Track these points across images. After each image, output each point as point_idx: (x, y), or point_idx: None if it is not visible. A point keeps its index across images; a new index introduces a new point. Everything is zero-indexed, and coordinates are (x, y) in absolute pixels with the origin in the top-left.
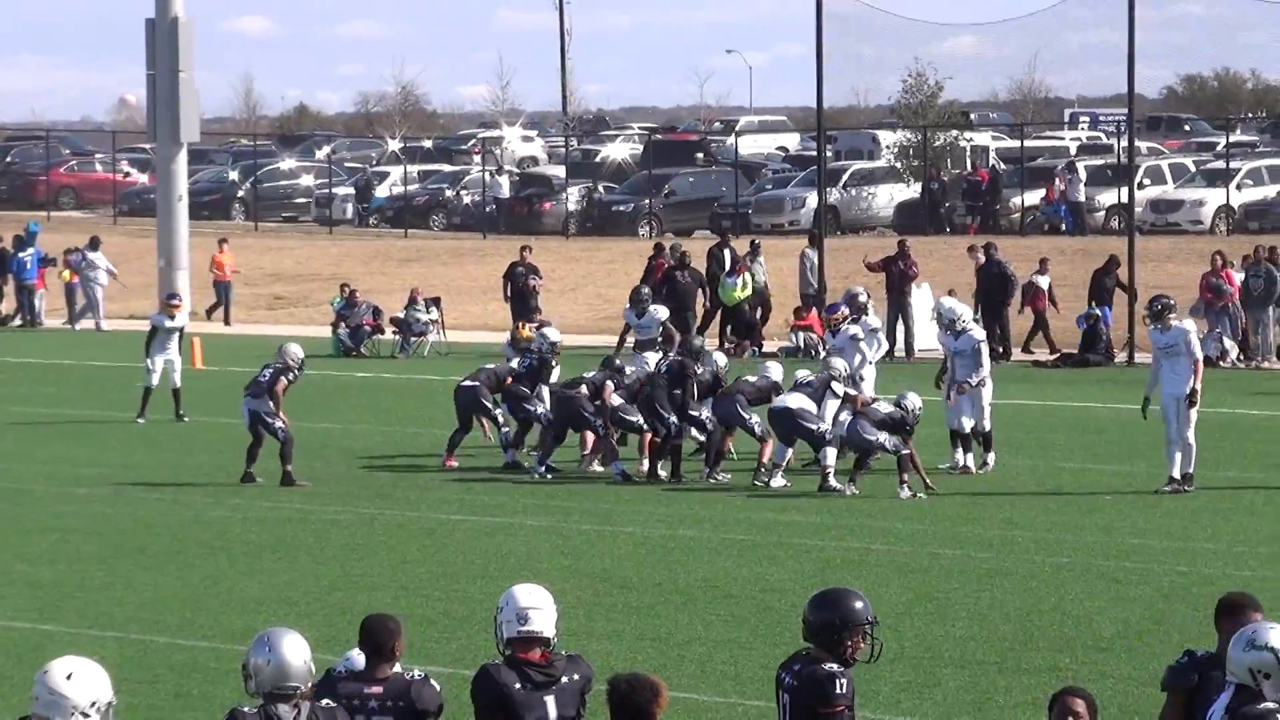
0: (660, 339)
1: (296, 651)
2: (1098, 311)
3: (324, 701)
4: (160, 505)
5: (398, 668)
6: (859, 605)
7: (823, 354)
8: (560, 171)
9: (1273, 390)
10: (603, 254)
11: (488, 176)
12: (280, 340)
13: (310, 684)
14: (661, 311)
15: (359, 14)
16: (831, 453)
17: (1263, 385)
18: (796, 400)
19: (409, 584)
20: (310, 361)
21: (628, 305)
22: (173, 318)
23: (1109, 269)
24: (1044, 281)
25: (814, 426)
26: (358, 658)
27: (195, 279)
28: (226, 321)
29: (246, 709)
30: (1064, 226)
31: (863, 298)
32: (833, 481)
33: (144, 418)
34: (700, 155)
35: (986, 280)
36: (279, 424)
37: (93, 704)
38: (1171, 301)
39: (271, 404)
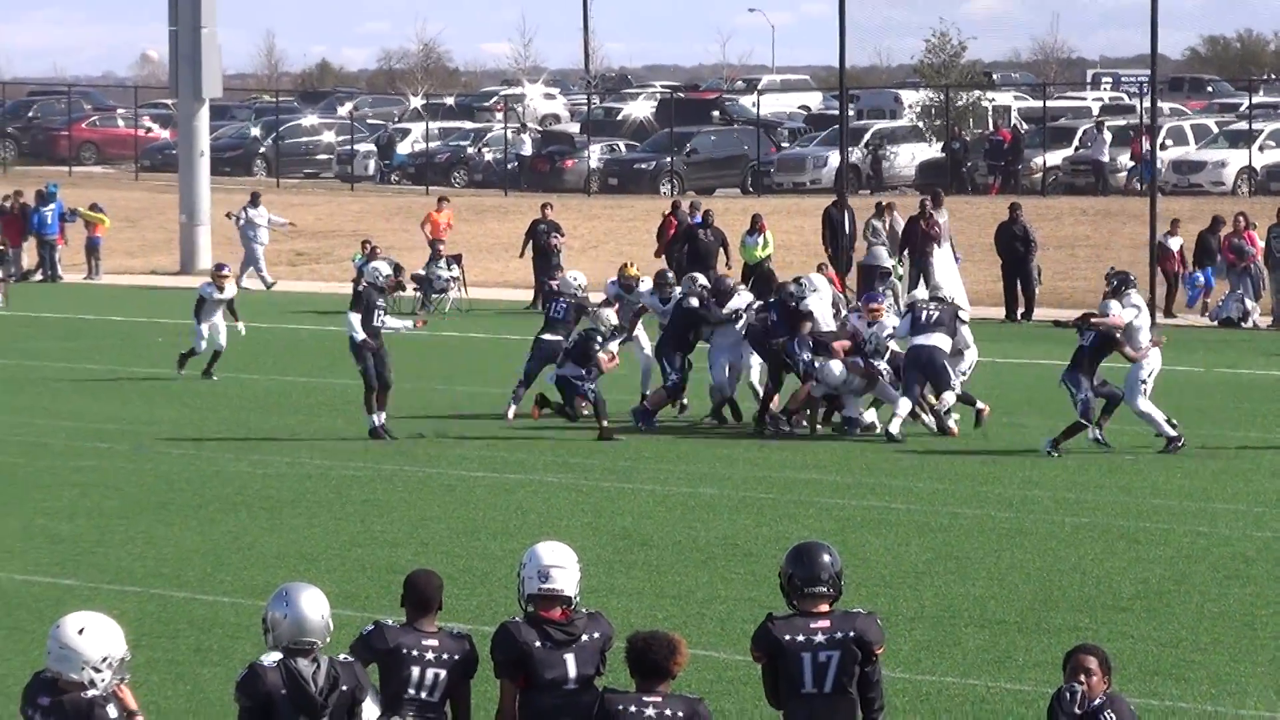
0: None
1: (315, 606)
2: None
3: (341, 656)
4: (182, 460)
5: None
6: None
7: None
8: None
9: None
10: (624, 212)
11: (509, 134)
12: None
13: (328, 638)
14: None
15: None
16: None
17: None
18: (938, 339)
19: (429, 540)
20: (332, 318)
21: (649, 290)
22: (221, 289)
23: (1214, 229)
24: (1175, 244)
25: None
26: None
27: (215, 234)
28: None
29: (266, 662)
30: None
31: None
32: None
33: (183, 371)
34: (716, 114)
35: (1009, 240)
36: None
37: (104, 659)
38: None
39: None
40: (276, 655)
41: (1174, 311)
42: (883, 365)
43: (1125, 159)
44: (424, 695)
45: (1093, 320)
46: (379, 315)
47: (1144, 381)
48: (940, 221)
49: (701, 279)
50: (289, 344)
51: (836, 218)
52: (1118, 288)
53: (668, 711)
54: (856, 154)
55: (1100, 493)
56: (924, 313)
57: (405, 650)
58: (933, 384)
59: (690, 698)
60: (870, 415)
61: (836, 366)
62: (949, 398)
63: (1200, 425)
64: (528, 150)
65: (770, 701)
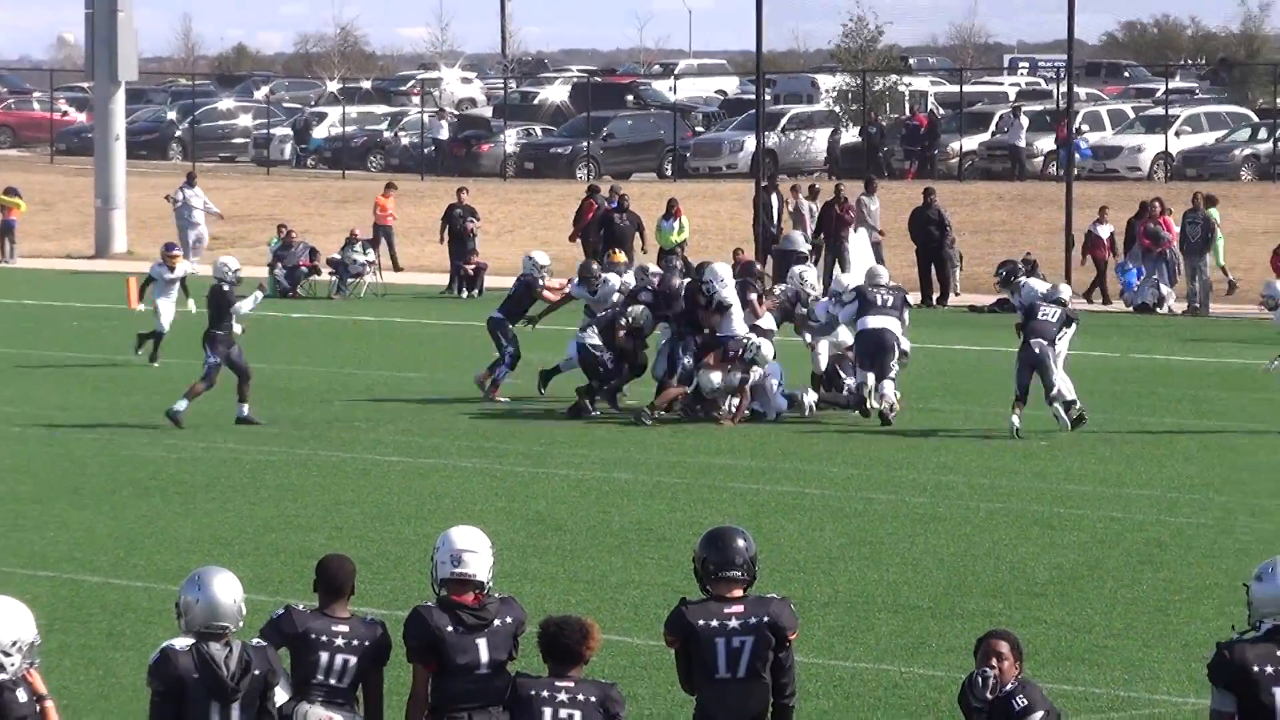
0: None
1: (227, 591)
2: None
3: (255, 640)
4: (95, 445)
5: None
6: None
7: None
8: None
9: (1209, 337)
10: (540, 196)
11: (426, 118)
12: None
13: (241, 623)
14: (614, 280)
15: None
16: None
17: (1199, 332)
18: (893, 323)
19: (343, 525)
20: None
21: (575, 280)
22: (172, 269)
23: (1141, 216)
24: (1105, 231)
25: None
26: None
27: (131, 218)
28: (396, 267)
29: (178, 646)
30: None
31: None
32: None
33: (140, 353)
34: (631, 98)
35: (923, 225)
36: None
37: (14, 643)
38: (1019, 265)
39: None
40: (189, 640)
41: (1093, 299)
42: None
43: (1042, 144)
44: (333, 681)
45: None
46: (236, 311)
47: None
48: (872, 208)
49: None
50: (203, 329)
51: (766, 203)
52: (1006, 278)
53: (580, 696)
54: (773, 138)
55: (1014, 478)
56: (877, 296)
57: (314, 635)
58: (878, 370)
59: (603, 683)
60: (810, 397)
61: (716, 376)
62: (888, 386)
63: (1115, 410)
64: (445, 135)
65: (684, 686)
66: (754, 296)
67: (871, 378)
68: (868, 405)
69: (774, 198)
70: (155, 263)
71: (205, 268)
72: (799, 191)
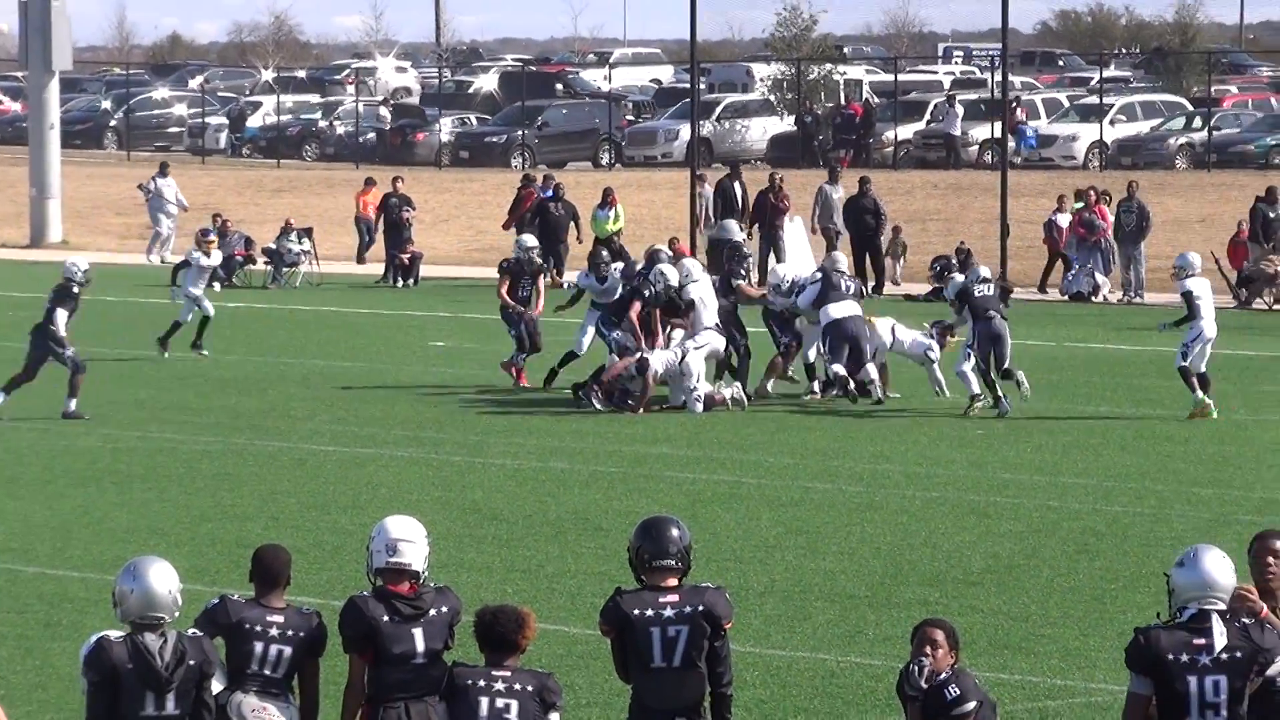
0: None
1: (163, 580)
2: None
3: (191, 630)
4: (31, 435)
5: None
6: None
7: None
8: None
9: (1144, 326)
10: (475, 185)
11: (362, 108)
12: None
13: (177, 613)
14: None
15: None
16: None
17: (1135, 321)
18: (858, 308)
19: (279, 515)
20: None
21: (584, 272)
22: (208, 255)
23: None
24: (1064, 220)
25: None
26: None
27: (66, 207)
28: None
29: (113, 636)
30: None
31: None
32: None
33: (168, 352)
34: (560, 87)
35: (858, 214)
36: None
37: None
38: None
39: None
40: (124, 630)
41: (1046, 289)
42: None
43: (977, 133)
44: (267, 671)
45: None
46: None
47: (970, 347)
48: (834, 198)
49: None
50: (138, 318)
51: (728, 189)
52: (940, 273)
53: (516, 685)
54: (708, 127)
55: (951, 467)
56: (840, 280)
57: (249, 625)
58: (856, 355)
59: (539, 672)
60: (732, 390)
61: (660, 360)
62: (871, 369)
63: (1051, 399)
64: (387, 123)
65: (620, 675)
66: (740, 283)
67: (840, 368)
68: (872, 390)
69: (737, 186)
70: (190, 249)
71: (177, 257)
72: (704, 181)
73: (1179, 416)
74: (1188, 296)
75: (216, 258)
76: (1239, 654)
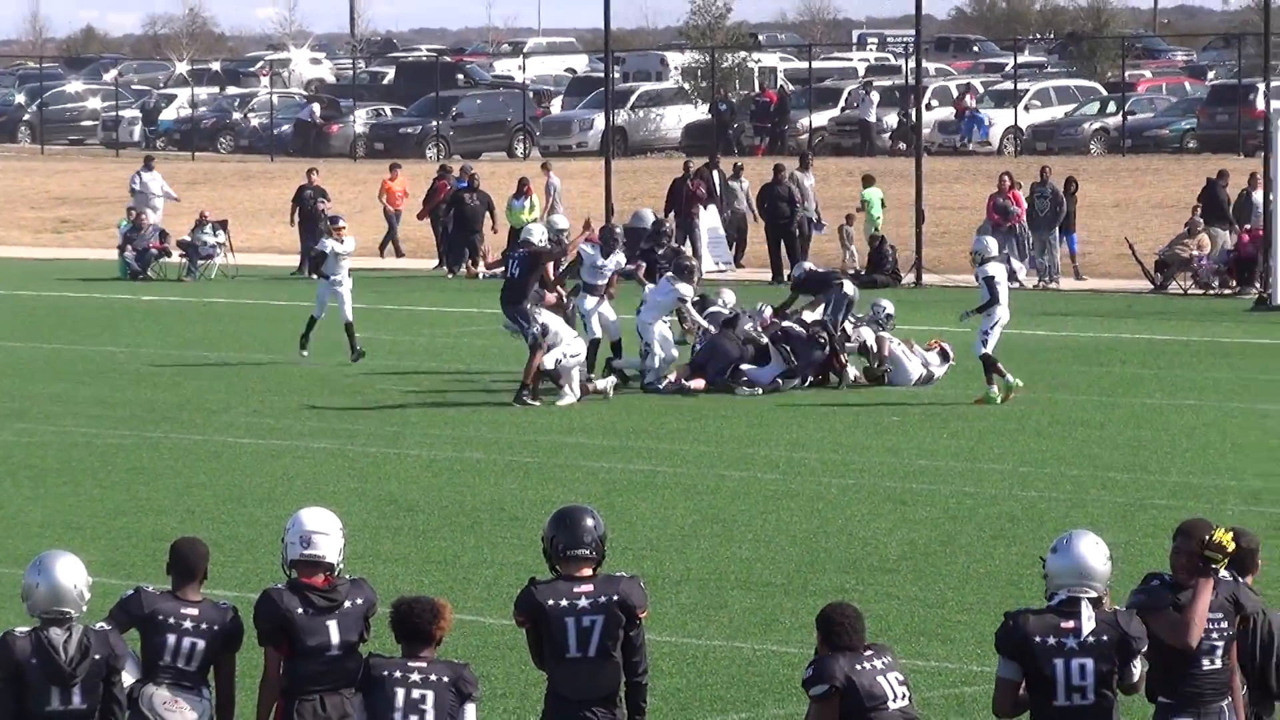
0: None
1: (69, 575)
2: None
3: (98, 625)
4: None
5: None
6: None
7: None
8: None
9: (1060, 311)
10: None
11: (276, 99)
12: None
13: (84, 607)
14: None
15: None
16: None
17: (1050, 306)
18: None
19: (195, 507)
20: (97, 285)
21: (593, 243)
22: (341, 242)
23: (1069, 192)
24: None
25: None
26: None
27: None
28: (398, 253)
29: (18, 632)
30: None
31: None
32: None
33: (306, 353)
34: (460, 77)
35: (774, 201)
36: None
37: None
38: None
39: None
40: (31, 624)
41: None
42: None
43: (890, 119)
44: (181, 664)
45: None
46: None
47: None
48: (806, 185)
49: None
50: (54, 311)
51: (708, 179)
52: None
53: (433, 676)
54: (623, 116)
55: (867, 454)
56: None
57: (162, 617)
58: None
59: (455, 663)
60: (606, 382)
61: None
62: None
63: (967, 386)
64: (309, 116)
65: (536, 665)
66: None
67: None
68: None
69: (715, 175)
70: (323, 238)
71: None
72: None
73: (1094, 401)
74: (989, 282)
75: (350, 244)
76: (1106, 638)
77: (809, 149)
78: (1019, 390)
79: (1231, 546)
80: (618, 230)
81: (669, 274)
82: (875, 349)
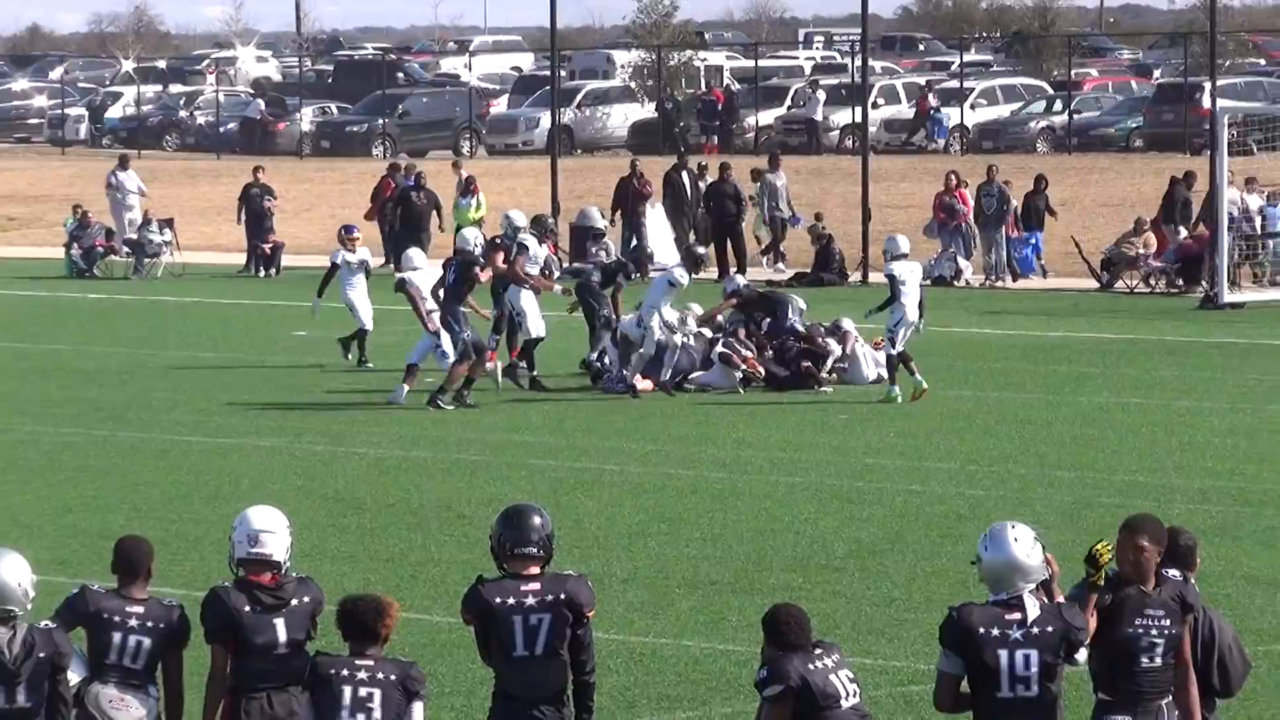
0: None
1: (13, 573)
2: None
3: (43, 623)
4: None
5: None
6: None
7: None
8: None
9: (1006, 310)
10: (336, 174)
11: (223, 96)
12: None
13: (30, 605)
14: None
15: None
16: None
17: (997, 305)
18: None
19: (142, 506)
20: (43, 283)
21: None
22: (354, 252)
23: (1039, 190)
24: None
25: None
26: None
27: None
28: None
29: None
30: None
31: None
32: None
33: (350, 357)
34: (401, 75)
35: (720, 200)
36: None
37: None
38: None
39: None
40: None
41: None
42: None
43: (837, 118)
44: (127, 662)
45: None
46: None
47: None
48: (778, 185)
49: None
50: None
51: (677, 180)
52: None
53: (380, 674)
54: (569, 115)
55: (814, 452)
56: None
57: (108, 615)
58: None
59: (403, 661)
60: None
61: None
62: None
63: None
64: (256, 114)
65: (484, 663)
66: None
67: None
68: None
69: (684, 176)
70: (334, 250)
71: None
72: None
73: (1041, 400)
74: (891, 279)
75: (364, 253)
76: (1050, 629)
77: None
78: (923, 393)
79: (1106, 558)
80: (548, 220)
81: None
82: (840, 347)
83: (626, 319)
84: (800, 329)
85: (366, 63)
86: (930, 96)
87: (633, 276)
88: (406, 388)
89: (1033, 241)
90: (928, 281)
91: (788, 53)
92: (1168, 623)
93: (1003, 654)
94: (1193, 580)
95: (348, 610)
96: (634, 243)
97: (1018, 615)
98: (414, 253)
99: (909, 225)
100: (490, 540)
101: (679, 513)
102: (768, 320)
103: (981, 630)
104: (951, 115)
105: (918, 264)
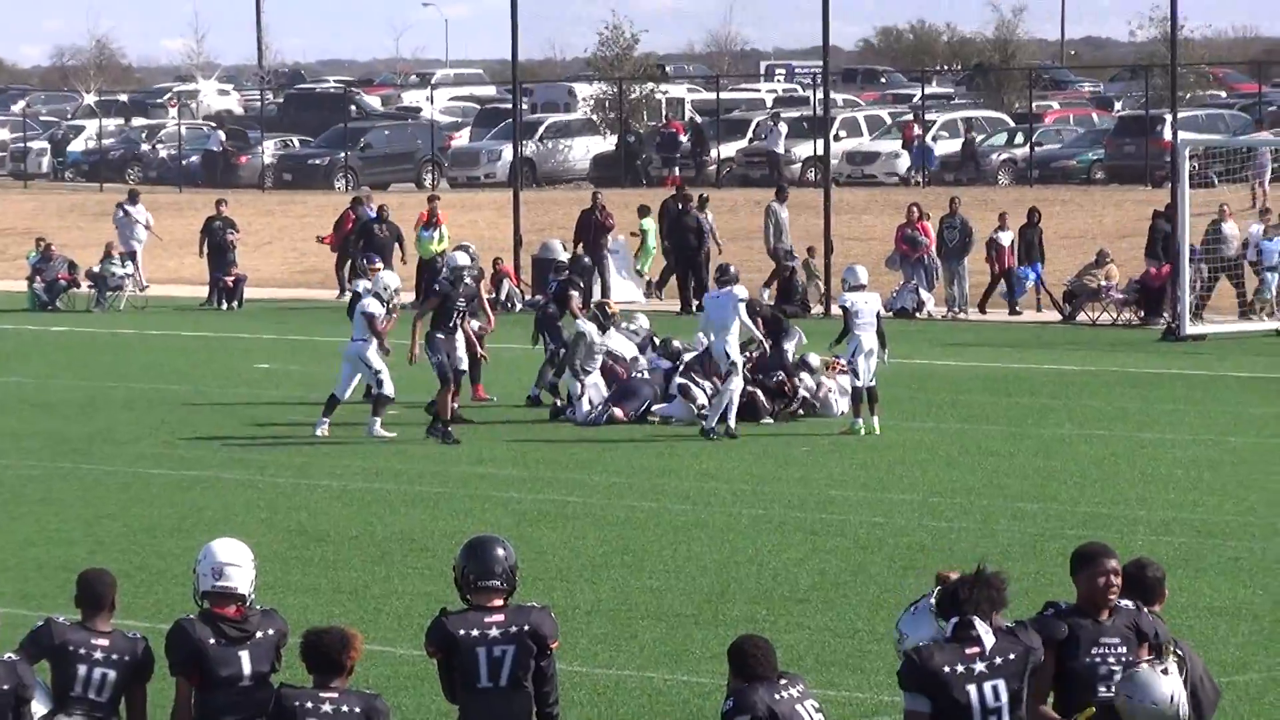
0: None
1: None
2: (794, 264)
3: (7, 655)
4: None
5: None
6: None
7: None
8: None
9: (969, 342)
10: (298, 208)
11: (185, 130)
12: None
13: None
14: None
15: None
16: None
17: (959, 337)
18: None
19: (105, 538)
20: (5, 316)
21: (506, 274)
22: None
23: (1033, 223)
24: (1006, 238)
25: None
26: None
27: None
28: None
29: None
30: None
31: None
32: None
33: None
34: (354, 108)
35: (681, 232)
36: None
37: None
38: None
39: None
40: None
41: (986, 309)
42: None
43: (799, 150)
44: (92, 695)
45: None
46: None
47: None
48: (782, 216)
49: None
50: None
51: (674, 210)
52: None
53: (344, 707)
54: (531, 147)
55: (777, 484)
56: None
57: (72, 648)
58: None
59: (367, 693)
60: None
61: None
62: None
63: (877, 415)
64: (217, 146)
65: (447, 696)
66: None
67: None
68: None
69: (783, 210)
70: (357, 282)
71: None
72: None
73: (1003, 431)
74: (845, 310)
75: (393, 279)
76: (1012, 655)
77: (716, 179)
78: (864, 432)
79: (953, 575)
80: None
81: (723, 284)
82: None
83: (714, 342)
84: (790, 361)
85: (317, 95)
86: (916, 125)
87: (580, 285)
88: (328, 421)
89: (1033, 275)
90: (890, 314)
91: (749, 85)
92: (1124, 650)
93: (971, 690)
94: (1155, 610)
95: (312, 642)
96: (596, 275)
97: (976, 649)
98: (388, 275)
99: (871, 257)
100: (454, 572)
101: (642, 544)
102: (770, 344)
103: (946, 669)
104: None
105: (874, 294)
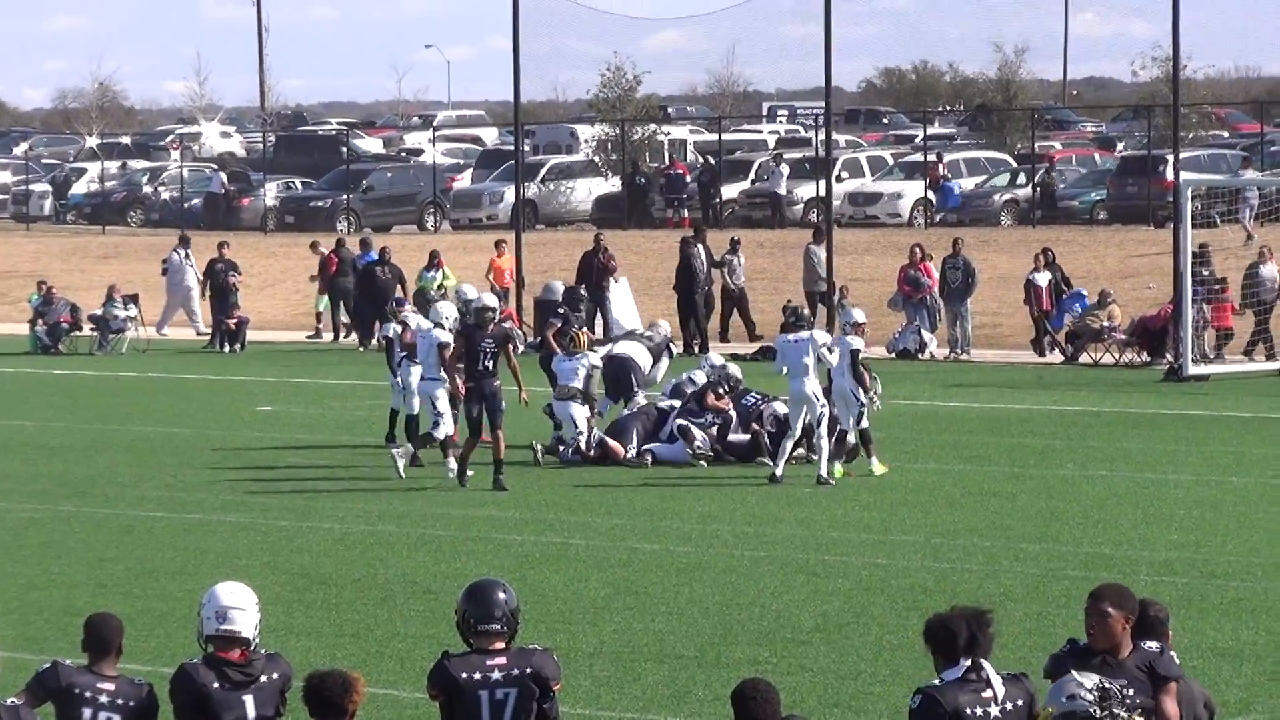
0: None
1: None
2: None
3: (9, 700)
4: None
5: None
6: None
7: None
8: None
9: (971, 383)
10: (300, 250)
11: (187, 172)
12: None
13: None
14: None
15: (63, 9)
16: None
17: (962, 378)
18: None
19: (107, 582)
20: (7, 359)
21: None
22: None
23: (1050, 261)
24: (1043, 279)
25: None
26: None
27: None
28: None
29: None
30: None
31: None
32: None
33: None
34: (345, 149)
35: (686, 273)
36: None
37: None
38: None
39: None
40: None
41: (1036, 349)
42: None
43: (801, 191)
44: None
45: None
46: None
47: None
48: (820, 256)
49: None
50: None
51: (690, 253)
52: (794, 323)
53: None
54: (533, 189)
55: (779, 526)
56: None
57: (78, 691)
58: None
59: None
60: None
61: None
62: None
63: (879, 457)
64: (218, 188)
65: None
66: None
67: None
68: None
69: (699, 250)
70: (385, 325)
71: (186, 329)
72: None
73: (1006, 473)
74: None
75: (450, 309)
76: (1020, 702)
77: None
78: (844, 475)
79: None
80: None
81: (797, 328)
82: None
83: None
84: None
85: (310, 138)
86: (940, 167)
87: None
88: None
89: (1079, 304)
90: (892, 355)
91: (751, 126)
92: (1131, 692)
93: None
94: (1170, 651)
95: (314, 686)
96: (599, 317)
97: (989, 692)
98: (445, 305)
99: (873, 298)
100: (456, 616)
101: (645, 586)
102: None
103: (968, 711)
104: (906, 188)
105: (823, 333)
